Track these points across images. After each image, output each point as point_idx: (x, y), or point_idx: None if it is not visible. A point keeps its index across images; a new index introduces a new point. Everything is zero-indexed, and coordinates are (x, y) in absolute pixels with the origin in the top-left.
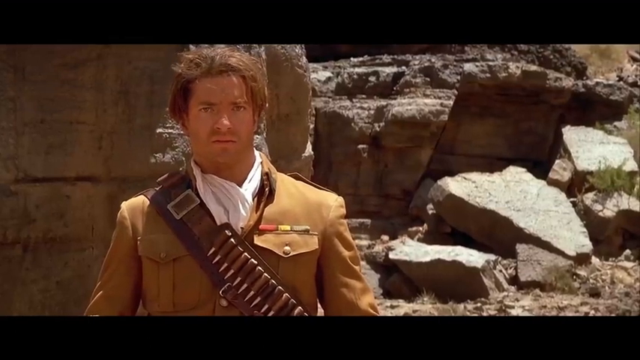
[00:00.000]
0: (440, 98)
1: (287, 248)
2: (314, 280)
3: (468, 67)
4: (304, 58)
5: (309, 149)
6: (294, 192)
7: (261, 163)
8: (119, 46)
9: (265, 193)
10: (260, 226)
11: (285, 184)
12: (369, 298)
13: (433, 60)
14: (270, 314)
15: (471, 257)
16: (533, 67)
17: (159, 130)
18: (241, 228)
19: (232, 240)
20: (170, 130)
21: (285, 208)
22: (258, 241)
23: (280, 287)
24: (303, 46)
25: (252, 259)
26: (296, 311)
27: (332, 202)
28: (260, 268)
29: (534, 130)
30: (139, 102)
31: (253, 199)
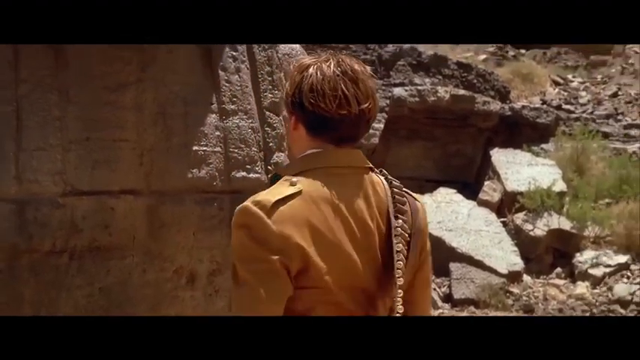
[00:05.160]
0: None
1: None
2: None
3: (398, 91)
4: None
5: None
6: None
7: None
8: (156, 71)
9: None
10: None
11: None
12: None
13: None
14: None
15: None
16: (462, 91)
17: (194, 148)
18: None
19: None
20: (205, 148)
21: None
22: None
23: None
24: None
25: None
26: None
27: None
28: None
29: (462, 153)
30: (175, 122)
31: None
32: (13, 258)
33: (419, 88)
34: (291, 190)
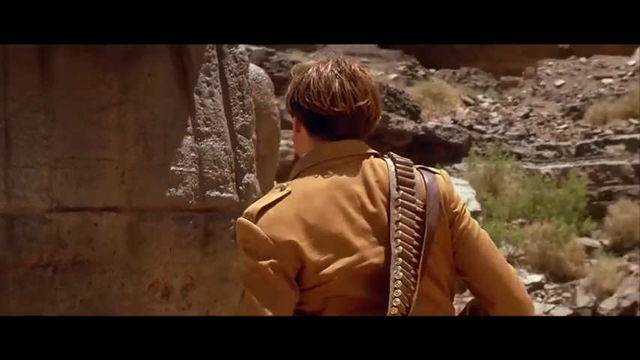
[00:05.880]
0: (286, 139)
1: None
2: None
3: None
4: (277, 107)
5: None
6: None
7: None
8: (137, 94)
9: None
10: None
11: None
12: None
13: (277, 101)
14: None
15: None
16: None
17: (172, 168)
18: None
19: None
20: (181, 168)
21: None
22: None
23: None
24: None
25: None
26: None
27: None
28: None
29: None
30: (155, 143)
31: None
32: (1, 271)
33: None
34: (280, 194)
